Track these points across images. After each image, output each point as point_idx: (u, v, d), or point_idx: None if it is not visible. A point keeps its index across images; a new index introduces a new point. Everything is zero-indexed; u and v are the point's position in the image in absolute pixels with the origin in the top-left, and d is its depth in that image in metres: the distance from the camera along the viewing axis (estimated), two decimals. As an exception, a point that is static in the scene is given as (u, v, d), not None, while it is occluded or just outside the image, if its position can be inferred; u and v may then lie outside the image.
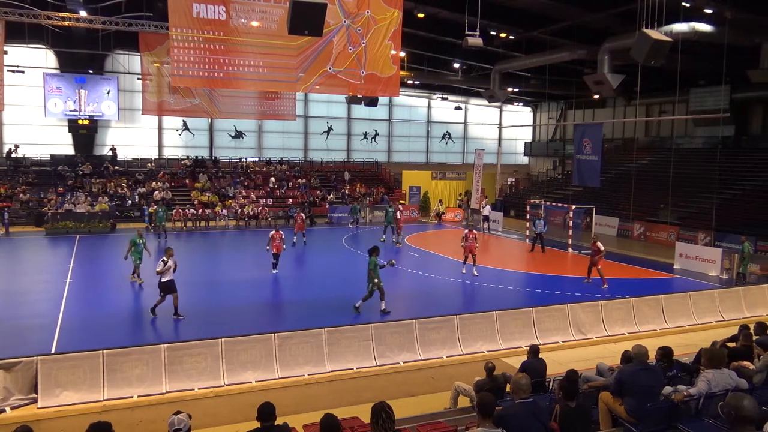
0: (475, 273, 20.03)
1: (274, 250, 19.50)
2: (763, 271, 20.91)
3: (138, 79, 32.81)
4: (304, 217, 26.83)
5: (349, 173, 42.00)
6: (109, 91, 35.43)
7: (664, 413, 6.83)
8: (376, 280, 14.85)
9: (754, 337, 9.33)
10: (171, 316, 14.39)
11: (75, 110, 34.58)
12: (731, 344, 9.27)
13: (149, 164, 37.78)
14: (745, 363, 8.18)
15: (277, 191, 37.42)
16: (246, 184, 37.69)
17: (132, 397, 9.88)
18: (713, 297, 15.96)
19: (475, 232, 20.87)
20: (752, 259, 21.00)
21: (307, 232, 26.60)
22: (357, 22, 15.62)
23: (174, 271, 14.51)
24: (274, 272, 19.51)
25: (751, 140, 35.32)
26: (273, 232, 19.66)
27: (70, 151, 36.83)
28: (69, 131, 36.17)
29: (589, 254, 19.91)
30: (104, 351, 9.99)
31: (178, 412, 5.86)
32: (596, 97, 38.70)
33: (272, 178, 38.59)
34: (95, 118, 35.74)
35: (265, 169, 40.31)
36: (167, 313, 14.52)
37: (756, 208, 28.43)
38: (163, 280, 14.30)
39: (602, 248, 19.04)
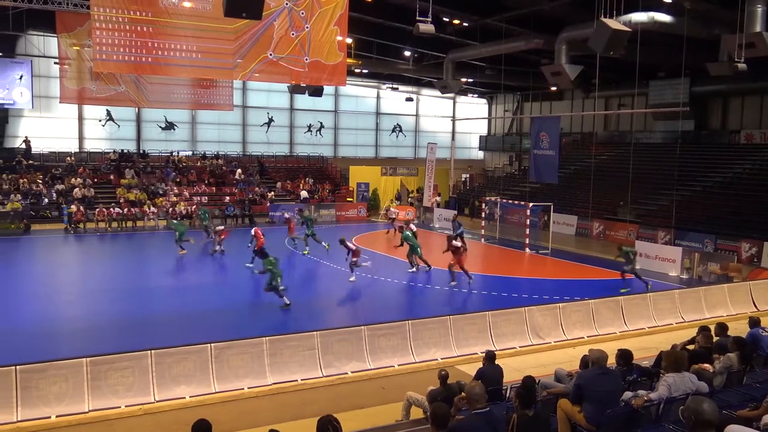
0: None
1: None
2: (723, 270, 21.80)
3: (55, 63, 31.69)
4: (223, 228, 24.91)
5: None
6: (21, 77, 34.13)
7: (624, 420, 7.05)
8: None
9: (715, 339, 9.72)
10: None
11: (-18, 97, 33.23)
12: (691, 347, 9.63)
13: (68, 158, 36.51)
14: (705, 366, 8.51)
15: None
16: (179, 180, 37.00)
17: (50, 417, 9.55)
18: (673, 297, 16.55)
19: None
20: (712, 258, 21.92)
21: (245, 233, 26.20)
22: (300, 5, 15.54)
23: None
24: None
25: (710, 135, 36.87)
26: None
27: (-24, 143, 35.38)
28: (-25, 121, 34.81)
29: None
30: (17, 366, 9.61)
31: None
32: (554, 89, 39.58)
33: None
34: (6, 107, 34.49)
35: (199, 164, 39.64)
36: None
37: (715, 205, 29.61)
38: None
39: (459, 244, 19.71)
